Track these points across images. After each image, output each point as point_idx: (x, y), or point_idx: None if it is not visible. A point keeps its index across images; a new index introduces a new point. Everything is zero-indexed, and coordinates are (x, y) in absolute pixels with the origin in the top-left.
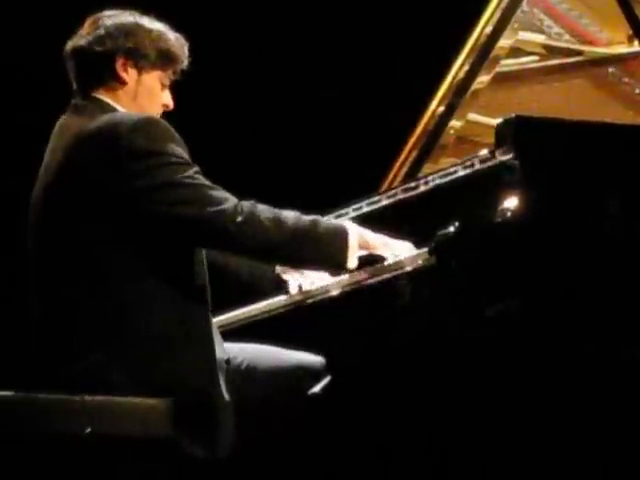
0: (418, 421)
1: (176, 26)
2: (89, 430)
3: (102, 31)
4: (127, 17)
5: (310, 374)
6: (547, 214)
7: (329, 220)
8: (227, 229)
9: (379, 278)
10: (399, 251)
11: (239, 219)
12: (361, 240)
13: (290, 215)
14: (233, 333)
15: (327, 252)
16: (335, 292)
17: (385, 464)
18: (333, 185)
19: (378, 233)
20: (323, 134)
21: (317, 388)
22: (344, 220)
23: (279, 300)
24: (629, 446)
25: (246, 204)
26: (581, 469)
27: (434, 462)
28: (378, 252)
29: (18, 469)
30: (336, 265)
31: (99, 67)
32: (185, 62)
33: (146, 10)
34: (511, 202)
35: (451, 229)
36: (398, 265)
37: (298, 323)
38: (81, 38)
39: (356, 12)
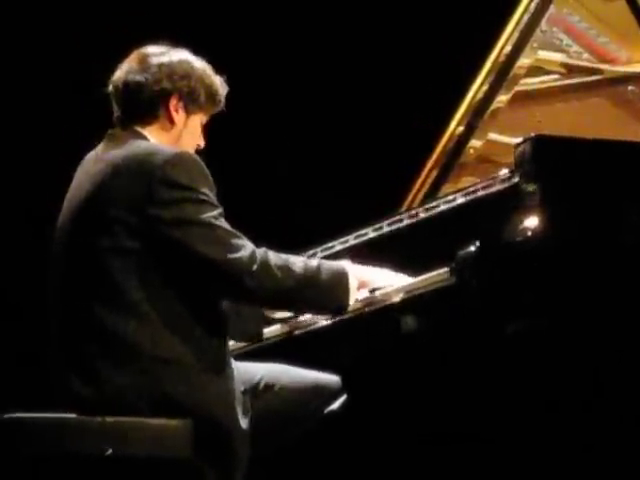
0: (435, 442)
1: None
2: (110, 452)
3: (158, 69)
4: (178, 56)
5: (327, 393)
6: (567, 233)
7: (329, 264)
8: (242, 278)
9: (381, 305)
10: (394, 282)
11: (254, 268)
12: (359, 281)
13: (298, 263)
14: (246, 355)
15: (331, 298)
16: (325, 322)
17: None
18: (354, 205)
19: (383, 262)
20: (344, 154)
21: (334, 406)
22: (342, 260)
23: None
24: None
25: (260, 252)
26: None
27: None
28: (376, 285)
29: None
30: (338, 308)
31: (153, 106)
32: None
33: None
34: (531, 221)
35: (472, 249)
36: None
37: (314, 345)
38: (134, 73)
39: (375, 33)
